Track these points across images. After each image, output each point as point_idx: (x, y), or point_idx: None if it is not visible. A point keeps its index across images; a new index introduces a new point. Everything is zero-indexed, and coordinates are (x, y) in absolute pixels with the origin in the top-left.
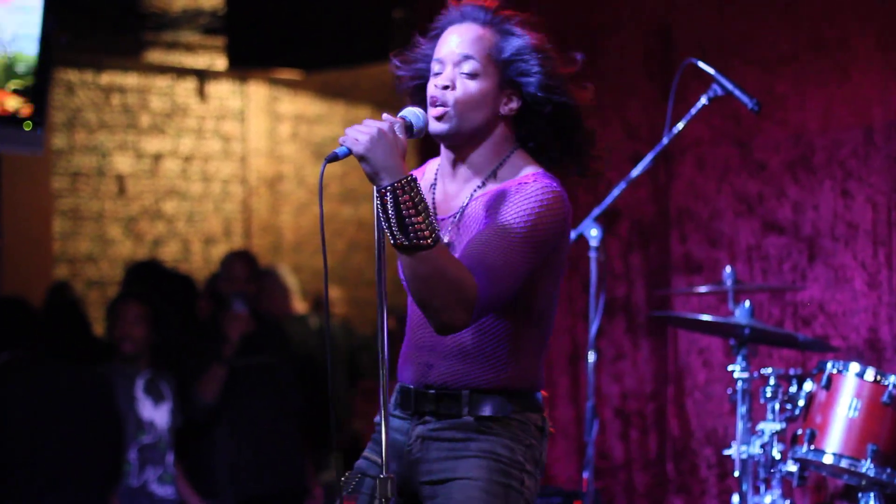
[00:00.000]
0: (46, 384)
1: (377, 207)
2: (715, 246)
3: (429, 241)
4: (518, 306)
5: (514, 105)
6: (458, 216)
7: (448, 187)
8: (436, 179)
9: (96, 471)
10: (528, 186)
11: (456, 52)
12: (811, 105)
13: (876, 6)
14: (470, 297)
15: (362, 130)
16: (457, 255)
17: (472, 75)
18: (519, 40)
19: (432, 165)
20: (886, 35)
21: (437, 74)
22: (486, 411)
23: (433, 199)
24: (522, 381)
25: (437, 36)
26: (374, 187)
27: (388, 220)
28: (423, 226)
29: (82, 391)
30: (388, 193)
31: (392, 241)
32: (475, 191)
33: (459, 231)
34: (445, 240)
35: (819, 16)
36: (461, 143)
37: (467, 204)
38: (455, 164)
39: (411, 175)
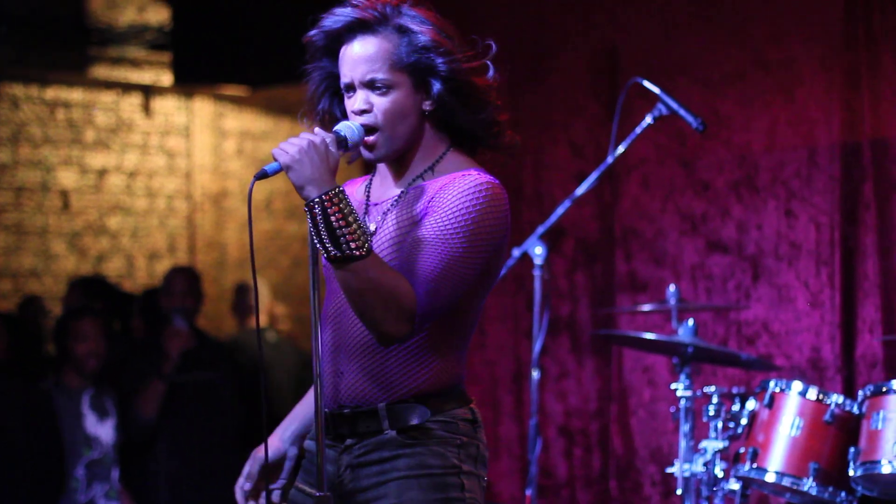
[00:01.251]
0: None
1: (308, 220)
2: (659, 265)
3: (361, 251)
4: None
5: (430, 102)
6: (390, 204)
7: (384, 181)
8: (371, 178)
9: (37, 487)
10: (465, 180)
11: (360, 74)
12: (756, 125)
13: (820, 28)
14: (408, 307)
15: (293, 142)
16: (378, 243)
17: (385, 91)
18: (416, 37)
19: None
20: (830, 57)
21: (349, 97)
22: (408, 422)
23: (367, 193)
24: (443, 380)
25: (329, 48)
26: (304, 200)
27: (318, 232)
28: (354, 236)
29: (23, 407)
30: (316, 206)
31: (324, 255)
32: (411, 181)
33: (386, 218)
34: (372, 227)
35: (764, 37)
36: (397, 156)
37: (400, 194)
38: (391, 165)
39: (340, 187)
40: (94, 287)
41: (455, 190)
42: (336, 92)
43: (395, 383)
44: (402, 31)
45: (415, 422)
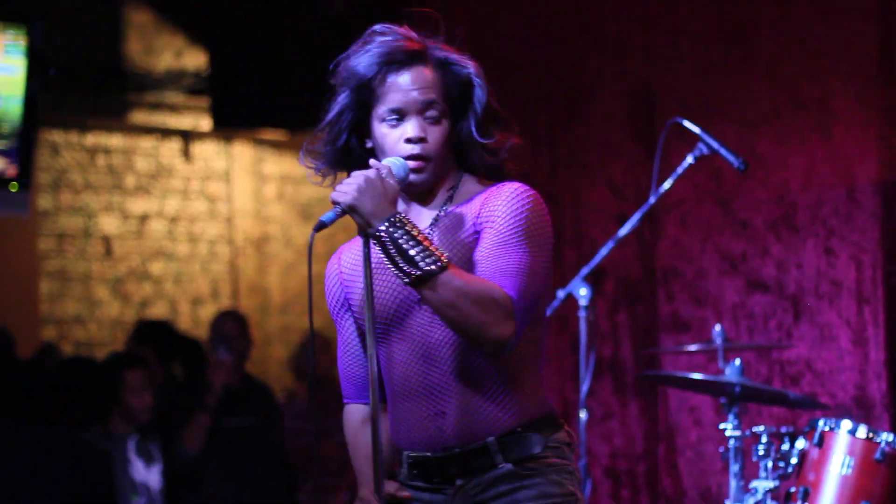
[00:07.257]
0: (32, 452)
1: (381, 253)
2: (701, 304)
3: (440, 263)
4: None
5: (458, 135)
6: (426, 233)
7: (408, 212)
8: None
9: None
10: (508, 188)
11: (418, 99)
12: (793, 164)
13: (856, 65)
14: (504, 303)
15: (348, 182)
16: None
17: (437, 120)
18: (461, 70)
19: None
20: (867, 93)
21: (392, 125)
22: (523, 452)
23: None
24: (543, 408)
25: (366, 79)
26: (369, 235)
27: (392, 260)
28: (427, 253)
29: (74, 460)
30: (383, 234)
31: (405, 281)
32: (438, 213)
33: None
34: None
35: (800, 75)
36: (429, 186)
37: (432, 222)
38: (415, 196)
39: (400, 212)
40: (156, 332)
41: (502, 199)
42: (356, 127)
43: (501, 415)
44: (444, 63)
45: (535, 450)
